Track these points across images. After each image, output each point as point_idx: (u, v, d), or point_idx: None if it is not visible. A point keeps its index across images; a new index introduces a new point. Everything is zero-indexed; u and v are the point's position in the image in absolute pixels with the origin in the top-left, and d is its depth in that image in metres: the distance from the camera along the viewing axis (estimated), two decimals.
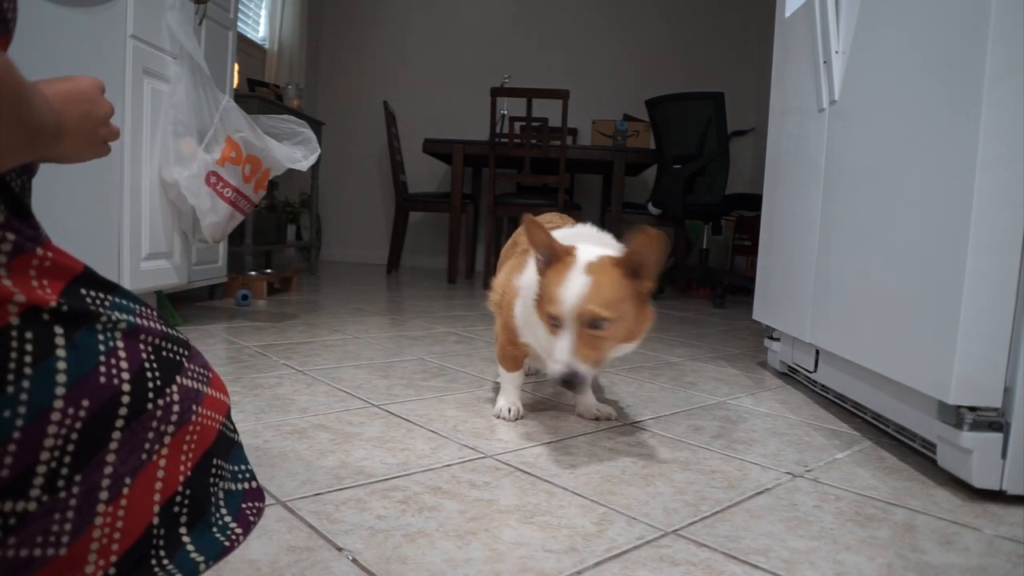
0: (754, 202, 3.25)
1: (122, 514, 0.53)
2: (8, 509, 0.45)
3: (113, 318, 0.56)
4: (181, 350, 0.64)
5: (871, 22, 1.32)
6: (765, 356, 1.98)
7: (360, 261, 5.28)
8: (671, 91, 3.91)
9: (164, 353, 0.61)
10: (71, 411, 0.49)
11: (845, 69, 1.42)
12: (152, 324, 0.61)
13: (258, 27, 4.45)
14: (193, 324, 2.10)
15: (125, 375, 0.55)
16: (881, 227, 1.21)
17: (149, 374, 0.58)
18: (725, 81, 4.59)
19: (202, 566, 0.63)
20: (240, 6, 2.86)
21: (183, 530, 0.62)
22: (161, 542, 0.59)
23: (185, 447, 0.62)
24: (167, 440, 0.59)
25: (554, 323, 1.00)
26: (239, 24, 3.20)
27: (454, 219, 4.03)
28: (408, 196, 4.31)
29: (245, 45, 4.07)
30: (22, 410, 0.46)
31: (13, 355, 0.47)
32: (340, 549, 0.71)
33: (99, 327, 0.54)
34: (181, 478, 0.62)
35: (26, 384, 0.47)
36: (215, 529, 0.67)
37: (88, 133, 0.69)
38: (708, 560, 0.74)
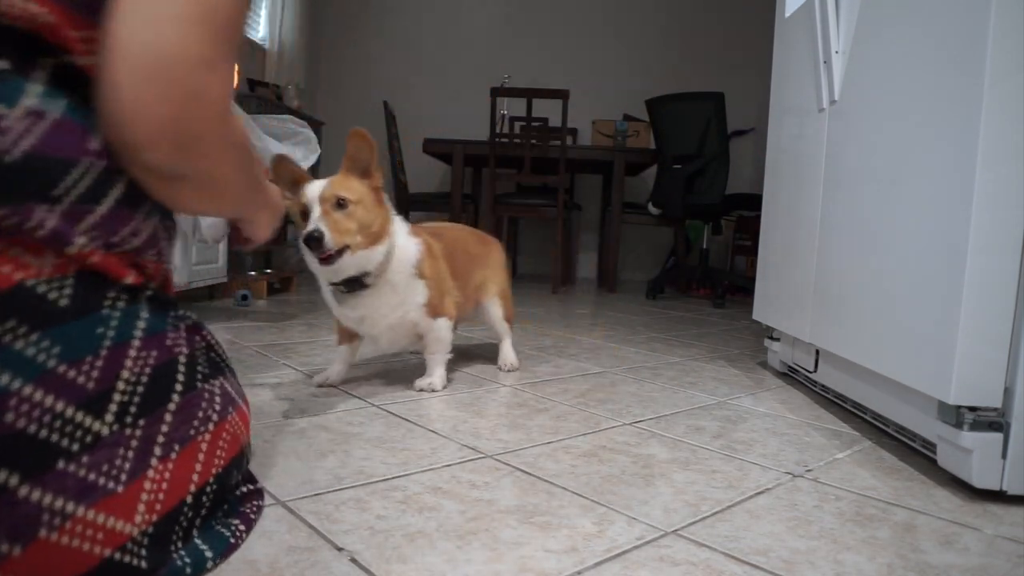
0: (754, 202, 3.24)
1: (168, 476, 0.60)
2: (88, 424, 0.54)
3: (180, 314, 0.68)
4: (225, 359, 0.75)
5: (871, 22, 1.32)
6: (765, 356, 1.98)
7: None
8: (671, 91, 3.90)
9: (211, 355, 0.71)
10: (144, 354, 0.60)
11: (845, 69, 1.42)
12: (205, 331, 0.72)
13: (258, 27, 4.45)
14: None
15: (183, 350, 0.66)
16: (881, 227, 1.21)
17: (200, 362, 0.68)
18: (725, 81, 4.58)
19: (209, 563, 0.64)
20: None
21: (197, 523, 0.66)
22: (185, 524, 0.63)
23: (222, 443, 0.69)
24: (211, 427, 0.67)
25: (303, 214, 1.19)
26: None
27: (454, 219, 4.03)
28: (408, 196, 4.31)
29: (245, 45, 4.07)
30: (111, 333, 0.57)
31: (110, 296, 0.58)
32: (340, 549, 0.71)
33: (170, 315, 0.66)
34: (214, 471, 0.67)
35: (117, 315, 0.58)
36: (220, 526, 0.69)
37: (273, 209, 0.90)
38: (708, 560, 0.74)
